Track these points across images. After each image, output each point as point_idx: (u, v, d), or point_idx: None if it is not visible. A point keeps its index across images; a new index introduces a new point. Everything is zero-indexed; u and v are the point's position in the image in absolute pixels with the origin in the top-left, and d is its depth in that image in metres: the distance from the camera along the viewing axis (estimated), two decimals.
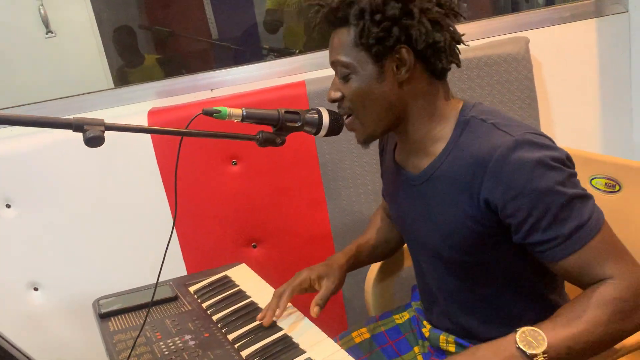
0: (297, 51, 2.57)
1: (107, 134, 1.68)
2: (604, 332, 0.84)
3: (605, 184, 1.29)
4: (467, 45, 1.04)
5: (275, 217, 1.75)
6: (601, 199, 1.28)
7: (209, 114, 0.93)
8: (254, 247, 1.78)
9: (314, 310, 1.12)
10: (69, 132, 1.71)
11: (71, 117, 1.62)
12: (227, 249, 1.76)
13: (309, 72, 1.76)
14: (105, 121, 1.59)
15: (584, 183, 1.32)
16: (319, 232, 1.76)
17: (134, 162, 1.71)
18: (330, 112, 1.02)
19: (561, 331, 0.84)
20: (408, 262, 1.46)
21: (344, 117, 1.03)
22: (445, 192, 0.98)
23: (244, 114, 0.96)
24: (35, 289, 1.79)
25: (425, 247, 1.10)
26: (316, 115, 1.00)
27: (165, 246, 1.06)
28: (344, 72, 0.99)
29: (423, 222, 1.06)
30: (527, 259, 0.97)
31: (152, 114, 1.68)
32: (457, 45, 1.01)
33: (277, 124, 0.98)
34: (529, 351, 0.81)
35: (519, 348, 0.82)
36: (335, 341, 1.31)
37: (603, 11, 1.73)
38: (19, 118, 0.77)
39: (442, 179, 0.99)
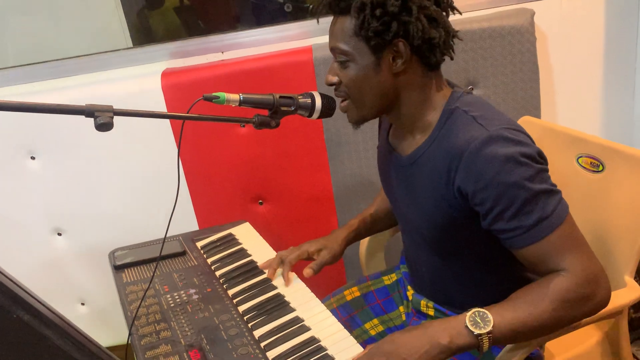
0: (311, 6, 2.59)
1: (123, 95, 1.79)
2: (548, 319, 0.93)
3: (590, 163, 1.35)
4: (461, 39, 1.08)
5: (281, 177, 1.85)
6: (585, 178, 1.35)
7: (208, 99, 1.01)
8: (260, 204, 1.89)
9: (307, 271, 1.25)
10: (89, 91, 1.82)
11: (83, 103, 1.73)
12: (236, 205, 1.87)
13: (317, 37, 1.80)
14: (119, 83, 1.68)
15: (571, 161, 1.38)
16: (321, 193, 1.85)
17: (148, 121, 1.79)
18: (323, 97, 1.09)
19: (508, 315, 0.93)
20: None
21: (340, 101, 1.10)
22: (427, 176, 1.06)
23: (241, 99, 1.03)
24: (59, 234, 1.95)
25: (410, 224, 1.19)
26: (309, 100, 1.07)
27: (174, 204, 1.16)
28: (342, 59, 1.04)
29: (408, 201, 1.14)
30: (499, 241, 1.04)
31: (165, 75, 1.76)
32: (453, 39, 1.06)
33: (272, 108, 1.05)
34: (475, 331, 0.91)
35: (466, 327, 0.92)
36: (329, 298, 1.45)
37: None
38: (36, 106, 0.86)
39: (425, 164, 1.07)
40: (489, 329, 0.91)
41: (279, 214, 1.90)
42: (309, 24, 1.82)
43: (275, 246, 1.74)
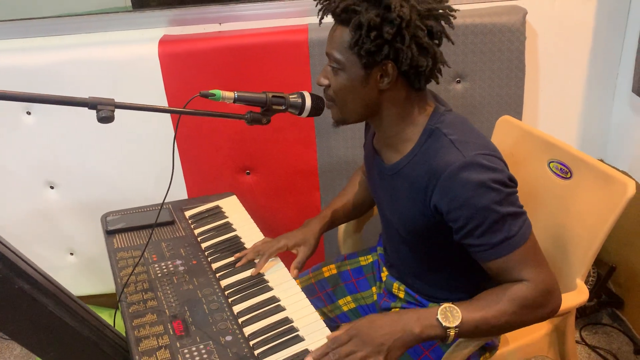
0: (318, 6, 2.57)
1: (120, 60, 1.81)
2: (507, 320, 1.04)
3: (560, 169, 1.44)
4: (449, 66, 1.13)
5: (269, 150, 1.91)
6: (554, 182, 1.44)
7: (204, 96, 1.07)
8: (248, 174, 1.97)
9: (294, 272, 1.31)
10: (86, 53, 1.84)
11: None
12: (225, 174, 1.95)
13: (313, 17, 1.83)
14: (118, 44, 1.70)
15: (543, 164, 1.47)
16: (306, 168, 1.93)
17: (142, 84, 1.83)
18: (313, 97, 1.15)
19: (474, 313, 1.04)
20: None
21: (326, 102, 1.17)
22: (407, 188, 1.14)
23: (236, 97, 1.09)
24: (51, 187, 2.01)
25: (389, 222, 1.29)
26: (299, 100, 1.13)
27: (170, 173, 1.21)
28: (334, 66, 1.10)
29: (389, 205, 1.24)
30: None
31: (162, 43, 1.79)
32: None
33: (264, 106, 1.11)
34: (444, 323, 1.02)
35: (437, 319, 1.03)
36: (308, 273, 1.55)
37: None
38: (41, 97, 0.91)
39: (405, 177, 1.15)
40: (457, 323, 1.02)
41: (265, 184, 1.98)
42: (307, 3, 1.84)
43: (260, 215, 1.83)
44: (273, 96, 1.11)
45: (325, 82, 1.13)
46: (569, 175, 1.42)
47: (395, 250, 1.34)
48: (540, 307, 1.06)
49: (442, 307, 1.04)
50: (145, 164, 1.95)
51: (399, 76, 1.08)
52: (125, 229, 1.50)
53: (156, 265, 1.35)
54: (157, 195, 1.92)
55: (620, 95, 1.87)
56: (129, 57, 1.80)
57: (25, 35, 1.87)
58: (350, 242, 1.67)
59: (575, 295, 1.29)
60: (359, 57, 1.05)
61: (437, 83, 1.13)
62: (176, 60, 1.78)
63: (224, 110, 1.21)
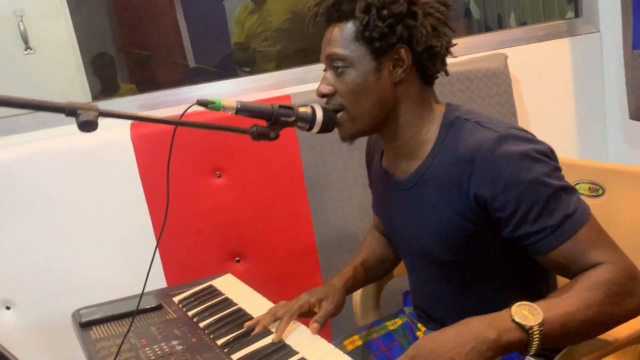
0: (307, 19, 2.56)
1: (85, 144, 1.67)
2: (596, 313, 0.85)
3: (589, 188, 1.32)
4: (455, 57, 1.06)
5: (260, 231, 1.72)
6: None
7: (203, 104, 0.93)
8: (237, 261, 1.75)
9: (313, 326, 1.09)
10: (43, 145, 1.68)
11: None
12: (210, 264, 1.72)
13: (294, 87, 1.77)
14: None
15: None
16: (304, 246, 1.74)
17: (114, 172, 1.68)
18: (324, 109, 1.02)
19: (556, 308, 0.84)
20: (395, 272, 1.44)
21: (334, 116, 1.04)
22: (435, 193, 0.99)
23: (238, 106, 0.96)
24: (8, 308, 1.72)
25: (419, 253, 1.11)
26: (310, 111, 1.00)
27: (151, 259, 1.06)
28: (339, 65, 1.00)
29: (415, 226, 1.06)
30: (518, 256, 0.97)
31: (135, 125, 1.66)
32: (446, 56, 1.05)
33: (270, 118, 0.98)
34: (524, 323, 0.81)
35: (514, 321, 0.82)
36: None
37: (575, 31, 1.81)
38: (9, 99, 0.75)
39: (431, 181, 1.01)
40: (539, 320, 0.81)
41: (259, 272, 1.75)
42: (285, 74, 1.79)
43: None
44: (280, 106, 0.97)
45: (328, 88, 1.02)
46: (600, 192, 1.30)
47: (431, 290, 1.13)
48: (629, 296, 0.87)
49: (515, 305, 0.84)
50: (116, 263, 1.71)
51: (412, 66, 0.99)
52: (104, 319, 1.23)
53: (147, 349, 1.08)
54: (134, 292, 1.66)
55: (612, 125, 1.84)
56: (100, 143, 1.65)
57: None
58: (369, 311, 1.44)
59: None
60: (370, 45, 0.97)
61: (447, 74, 1.04)
62: (150, 141, 1.65)
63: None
